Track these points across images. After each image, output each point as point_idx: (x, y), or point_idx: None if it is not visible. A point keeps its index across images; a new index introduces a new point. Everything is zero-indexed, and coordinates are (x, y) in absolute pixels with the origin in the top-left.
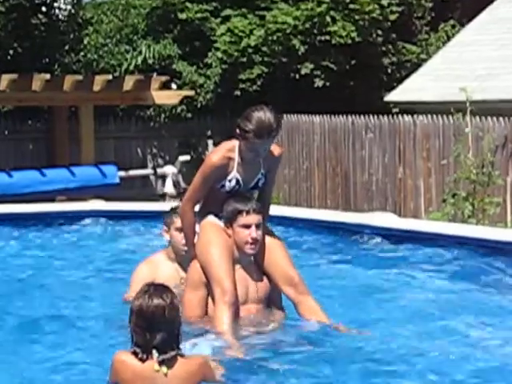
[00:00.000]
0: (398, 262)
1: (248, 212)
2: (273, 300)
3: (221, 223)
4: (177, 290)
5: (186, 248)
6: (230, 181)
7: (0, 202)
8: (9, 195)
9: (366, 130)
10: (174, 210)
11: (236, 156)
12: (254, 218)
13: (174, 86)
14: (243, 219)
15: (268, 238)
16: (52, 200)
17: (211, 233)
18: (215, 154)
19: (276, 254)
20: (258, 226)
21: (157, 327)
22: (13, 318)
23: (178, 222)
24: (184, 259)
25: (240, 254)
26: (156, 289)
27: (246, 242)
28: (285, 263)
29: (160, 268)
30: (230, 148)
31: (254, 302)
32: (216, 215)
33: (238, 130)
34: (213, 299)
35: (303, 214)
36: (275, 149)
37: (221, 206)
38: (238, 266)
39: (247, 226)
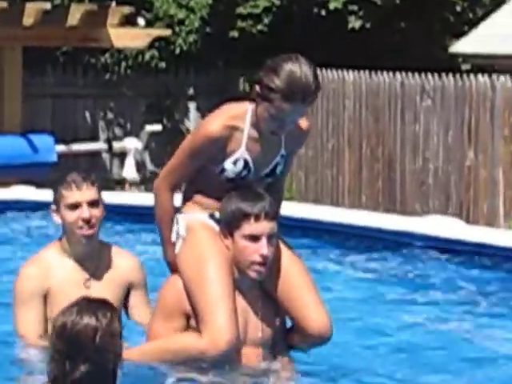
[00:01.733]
0: (467, 292)
1: (258, 217)
2: (283, 343)
3: (216, 226)
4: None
5: (85, 232)
6: (235, 162)
7: None
8: None
9: (422, 95)
10: (65, 181)
11: (246, 126)
12: (265, 227)
13: (141, 21)
14: (250, 227)
15: (281, 253)
16: None
17: (204, 240)
18: (214, 121)
19: (294, 278)
20: (270, 239)
21: (82, 355)
22: None
23: (70, 197)
24: (84, 250)
25: (240, 275)
26: (91, 304)
27: (251, 262)
28: (311, 303)
29: (53, 269)
30: (239, 114)
31: (254, 344)
32: (212, 215)
33: (257, 87)
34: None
35: (326, 215)
36: (303, 121)
37: (219, 198)
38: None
39: (255, 238)
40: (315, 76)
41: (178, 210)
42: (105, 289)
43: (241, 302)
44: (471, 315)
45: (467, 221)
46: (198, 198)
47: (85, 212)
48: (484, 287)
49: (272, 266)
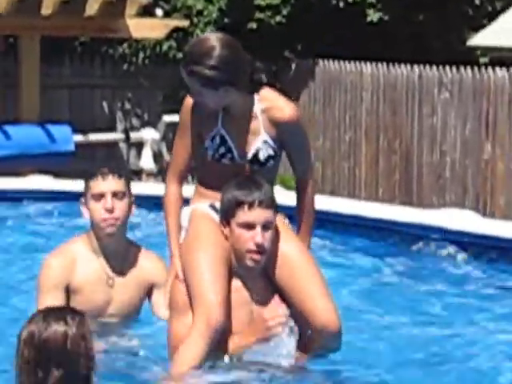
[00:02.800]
0: (482, 286)
1: (251, 205)
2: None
3: (216, 216)
4: (102, 293)
5: (108, 223)
6: (212, 139)
7: None
8: None
9: (440, 88)
10: (93, 173)
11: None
12: (259, 215)
13: (159, 11)
14: (244, 215)
15: (288, 243)
16: None
17: (200, 228)
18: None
19: (300, 270)
20: (265, 227)
21: (53, 361)
22: None
23: (95, 187)
24: (110, 246)
25: (240, 265)
26: (59, 311)
27: (247, 250)
28: (317, 294)
29: (78, 263)
30: None
31: (259, 335)
32: (212, 205)
33: None
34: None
35: (342, 206)
36: (282, 108)
37: (220, 188)
38: (237, 283)
39: (249, 226)
40: (225, 52)
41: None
42: (127, 288)
43: (243, 293)
44: (485, 308)
45: (484, 214)
46: (202, 189)
47: (108, 202)
48: (500, 280)
49: (276, 257)
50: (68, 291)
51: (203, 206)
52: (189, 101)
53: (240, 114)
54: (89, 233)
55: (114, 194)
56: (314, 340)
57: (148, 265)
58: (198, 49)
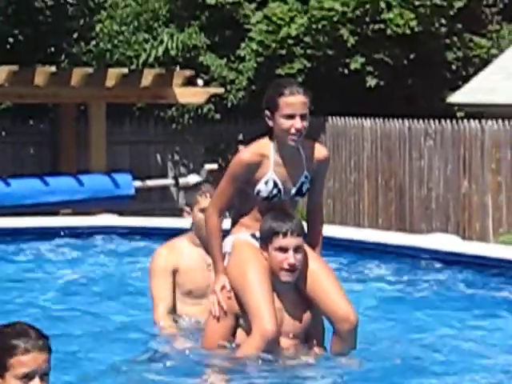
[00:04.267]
0: (462, 295)
1: (285, 234)
2: (314, 335)
3: (256, 243)
4: (203, 277)
5: None
6: (266, 183)
7: None
8: (6, 207)
9: (425, 137)
10: (197, 187)
11: (271, 153)
12: (291, 241)
13: (200, 81)
14: (279, 242)
15: (313, 260)
16: (55, 213)
17: (247, 253)
18: (246, 151)
19: (322, 278)
20: (296, 250)
21: None
22: None
23: (202, 202)
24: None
25: (276, 280)
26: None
27: (281, 268)
28: (337, 295)
29: (183, 253)
30: (264, 144)
31: (287, 337)
32: (253, 235)
33: (267, 110)
34: (246, 332)
35: (349, 234)
36: (320, 150)
37: (259, 220)
38: (273, 295)
39: (284, 250)
40: (303, 89)
41: (227, 233)
42: None
43: (277, 303)
44: (464, 309)
45: (463, 237)
46: (243, 221)
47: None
48: (476, 288)
49: (304, 271)
50: (175, 275)
51: (245, 235)
52: (244, 158)
53: (289, 154)
54: (192, 233)
55: None
56: (336, 337)
57: None
58: (291, 80)
